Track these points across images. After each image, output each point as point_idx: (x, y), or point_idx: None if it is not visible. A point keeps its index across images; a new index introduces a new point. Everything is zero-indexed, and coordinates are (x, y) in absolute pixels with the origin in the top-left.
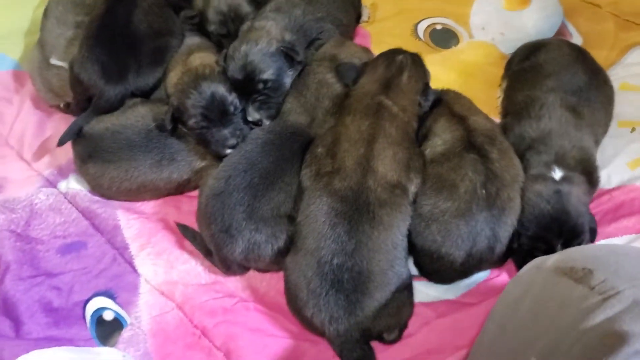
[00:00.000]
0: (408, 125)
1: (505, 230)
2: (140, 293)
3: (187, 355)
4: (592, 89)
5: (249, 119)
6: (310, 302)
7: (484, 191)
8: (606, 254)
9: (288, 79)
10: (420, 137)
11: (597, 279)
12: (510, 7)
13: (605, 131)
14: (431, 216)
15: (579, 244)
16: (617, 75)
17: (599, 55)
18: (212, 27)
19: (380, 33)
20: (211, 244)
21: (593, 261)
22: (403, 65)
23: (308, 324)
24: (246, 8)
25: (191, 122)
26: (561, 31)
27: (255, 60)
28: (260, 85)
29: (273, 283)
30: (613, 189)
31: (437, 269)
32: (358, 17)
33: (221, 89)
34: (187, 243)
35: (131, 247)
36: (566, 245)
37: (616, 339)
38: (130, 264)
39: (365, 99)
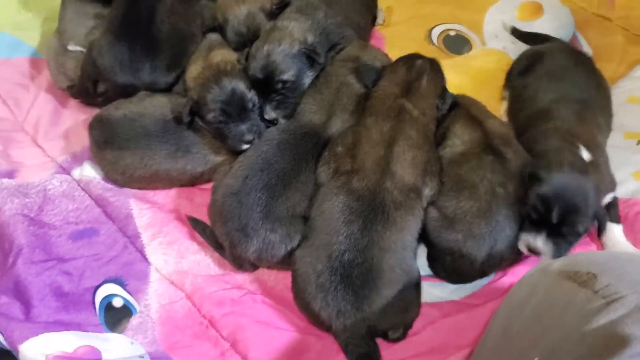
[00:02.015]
0: (427, 128)
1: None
2: (150, 281)
3: (194, 344)
4: (593, 92)
5: (266, 117)
6: (318, 295)
7: (502, 190)
8: (610, 259)
9: (307, 80)
10: (438, 137)
11: (601, 283)
12: (523, 17)
13: (608, 133)
14: (454, 216)
15: (577, 222)
16: (624, 88)
17: (608, 68)
18: (231, 45)
19: (394, 37)
20: (225, 241)
21: (597, 266)
22: (422, 69)
23: (315, 318)
24: (263, 24)
25: (210, 116)
26: (572, 43)
27: (277, 60)
28: (280, 85)
29: (281, 277)
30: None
31: (458, 269)
32: (373, 20)
33: (241, 86)
34: (198, 234)
35: (143, 236)
36: (563, 218)
37: (618, 341)
38: (141, 252)
39: (387, 101)
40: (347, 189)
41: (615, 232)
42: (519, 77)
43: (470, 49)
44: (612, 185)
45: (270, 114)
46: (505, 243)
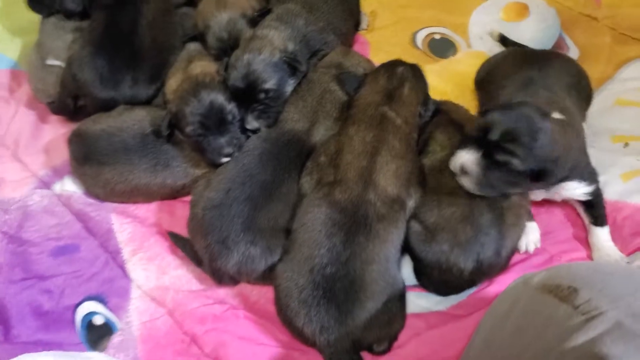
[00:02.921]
0: (410, 137)
1: (509, 232)
2: (131, 298)
3: None
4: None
5: (248, 127)
6: (301, 311)
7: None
8: (592, 272)
9: (289, 88)
10: (420, 145)
11: (582, 298)
12: (509, 18)
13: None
14: (437, 226)
15: (514, 152)
16: (611, 91)
17: (595, 69)
18: (211, 52)
19: (379, 41)
20: (205, 254)
21: (579, 280)
22: (404, 77)
23: (298, 334)
24: (244, 31)
25: (188, 129)
26: (558, 43)
27: (258, 69)
28: (262, 95)
29: (263, 292)
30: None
31: (446, 280)
32: (357, 25)
33: (220, 98)
34: (179, 250)
35: (123, 252)
36: (499, 143)
37: None
38: (122, 268)
39: (369, 109)
40: (329, 201)
41: (600, 235)
42: (480, 86)
43: (455, 51)
44: (590, 176)
45: (252, 123)
46: (492, 248)
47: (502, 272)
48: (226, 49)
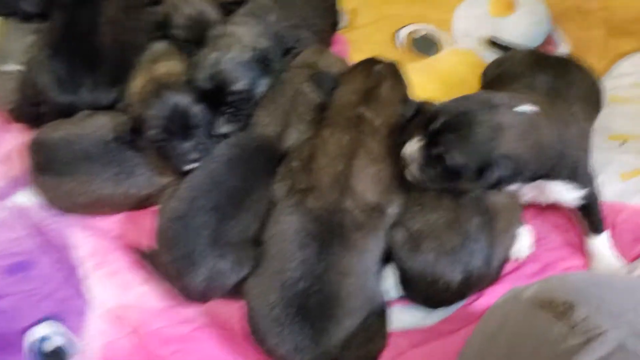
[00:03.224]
0: (390, 139)
1: (499, 239)
2: (90, 318)
3: None
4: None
5: (218, 132)
6: (273, 330)
7: (465, 197)
8: (588, 285)
9: (261, 89)
10: (402, 146)
11: (579, 315)
12: (496, 12)
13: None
14: (421, 233)
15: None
16: (606, 87)
17: (588, 64)
18: (176, 31)
19: (359, 40)
20: (172, 270)
21: (574, 294)
22: (382, 75)
23: (272, 354)
24: (214, 15)
25: (151, 133)
26: (550, 38)
27: (227, 69)
28: (231, 97)
29: (236, 307)
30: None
31: (433, 293)
32: (335, 23)
33: (185, 100)
34: (146, 263)
35: (84, 267)
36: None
37: None
38: (82, 285)
39: (344, 110)
40: (301, 209)
41: (597, 243)
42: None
43: (439, 49)
44: (582, 179)
45: (221, 128)
46: (482, 257)
47: (493, 283)
48: (192, 27)
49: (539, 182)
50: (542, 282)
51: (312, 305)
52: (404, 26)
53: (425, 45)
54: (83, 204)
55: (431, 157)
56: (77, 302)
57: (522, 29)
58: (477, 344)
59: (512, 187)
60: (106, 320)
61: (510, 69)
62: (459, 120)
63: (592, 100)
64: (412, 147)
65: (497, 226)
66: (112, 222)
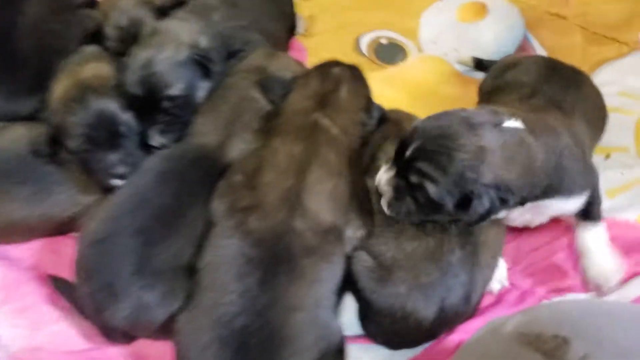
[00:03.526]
0: (350, 151)
1: (481, 274)
2: None
3: None
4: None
5: (152, 143)
6: None
7: (453, 225)
8: (584, 315)
9: (201, 93)
10: (366, 161)
11: (576, 353)
12: (465, 18)
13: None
14: (394, 262)
15: (425, 172)
16: None
17: None
18: (109, 43)
19: (318, 47)
20: (89, 304)
21: (567, 326)
22: (340, 78)
23: None
24: (150, 23)
25: (72, 144)
26: (524, 46)
27: (160, 71)
28: (166, 103)
29: (168, 349)
30: None
31: (400, 331)
32: (292, 29)
33: (112, 106)
34: (62, 298)
35: None
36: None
37: None
38: None
39: (297, 118)
40: (242, 231)
41: (591, 236)
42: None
43: (405, 57)
44: (581, 186)
45: (156, 139)
46: (460, 294)
47: (467, 320)
48: (126, 38)
49: (532, 205)
50: (525, 312)
51: (253, 346)
52: (367, 32)
53: (389, 54)
54: None
55: (404, 189)
56: None
57: (492, 35)
58: None
59: (501, 215)
60: None
61: (517, 76)
62: (435, 146)
63: (599, 120)
64: (382, 177)
65: (481, 260)
66: (25, 250)
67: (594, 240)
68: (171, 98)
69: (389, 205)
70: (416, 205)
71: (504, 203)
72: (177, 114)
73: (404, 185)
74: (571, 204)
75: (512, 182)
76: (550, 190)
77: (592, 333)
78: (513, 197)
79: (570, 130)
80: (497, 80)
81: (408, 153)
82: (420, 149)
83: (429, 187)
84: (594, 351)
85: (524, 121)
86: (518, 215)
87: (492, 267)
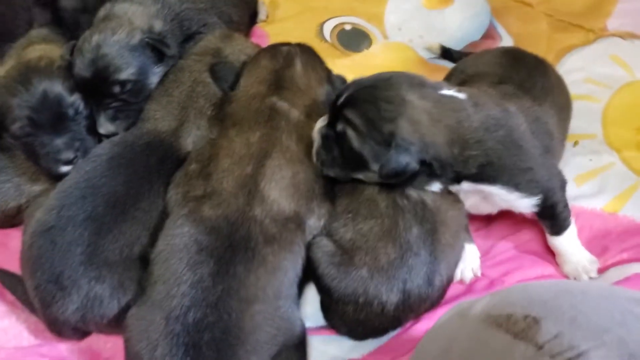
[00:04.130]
0: (310, 135)
1: (444, 254)
2: None
3: None
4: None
5: (101, 131)
6: None
7: (405, 201)
8: (556, 295)
9: (154, 79)
10: None
11: (547, 332)
12: (431, 5)
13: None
14: (353, 244)
15: None
16: None
17: None
18: (63, 13)
19: (280, 34)
20: (35, 298)
21: (538, 305)
22: (292, 54)
23: None
24: (105, 6)
25: (15, 126)
26: (489, 32)
27: (110, 54)
28: (117, 88)
29: (121, 345)
30: None
31: (364, 319)
32: (253, 15)
33: (58, 87)
34: (9, 292)
35: None
36: None
37: None
38: None
39: (252, 103)
40: (194, 219)
41: (562, 240)
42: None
43: (370, 44)
44: (528, 186)
45: (106, 126)
46: (422, 274)
47: (434, 307)
48: (81, 10)
49: (472, 186)
50: (494, 295)
51: (206, 343)
52: (330, 18)
53: (354, 40)
54: None
55: (332, 138)
56: None
57: (458, 22)
58: None
59: (435, 187)
60: None
61: (485, 66)
62: (365, 94)
63: (566, 109)
64: (316, 126)
65: (441, 239)
66: None
67: (565, 241)
68: (121, 83)
69: (317, 154)
70: (341, 157)
71: (430, 170)
72: (129, 100)
73: (332, 135)
74: (520, 202)
75: (439, 147)
76: (489, 173)
77: (565, 311)
78: (440, 166)
79: (538, 118)
80: (465, 71)
81: (339, 101)
82: (351, 98)
83: (350, 136)
84: (566, 329)
85: (470, 95)
86: (463, 197)
87: (456, 248)
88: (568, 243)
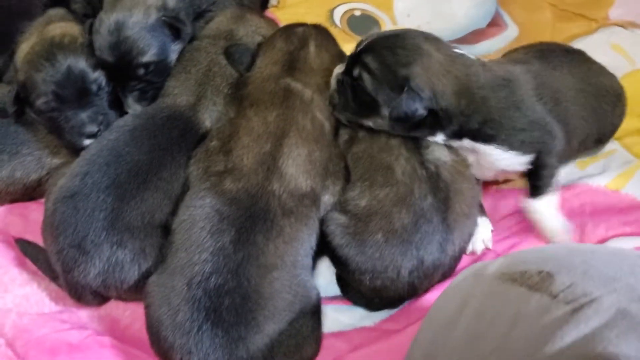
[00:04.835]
0: (325, 115)
1: (458, 222)
2: None
3: None
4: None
5: (129, 111)
6: (177, 341)
7: (424, 172)
8: (568, 253)
9: (173, 56)
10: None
11: (561, 283)
12: None
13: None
14: (369, 210)
15: None
16: None
17: None
18: (75, 6)
19: (291, 19)
20: (57, 263)
21: (551, 262)
22: (306, 35)
23: None
24: None
25: (40, 101)
26: (495, 21)
27: (132, 37)
28: (141, 71)
29: (140, 312)
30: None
31: (381, 287)
32: (265, 1)
33: (82, 63)
34: (29, 261)
35: None
36: None
37: None
38: None
39: (267, 85)
40: (216, 191)
41: (540, 204)
42: None
43: (379, 29)
44: (522, 144)
45: (134, 107)
46: (435, 241)
47: (446, 277)
48: (92, 2)
49: (471, 144)
50: (508, 256)
51: (227, 308)
52: (340, 4)
53: (363, 26)
54: None
55: (348, 83)
56: None
57: (464, 10)
58: (430, 335)
59: (439, 138)
60: None
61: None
62: (382, 42)
63: (600, 91)
64: (335, 71)
65: (455, 207)
66: None
67: (542, 207)
68: (145, 65)
69: (331, 97)
70: (354, 101)
71: (436, 120)
72: (152, 80)
73: (348, 81)
74: (511, 160)
75: (448, 96)
76: (487, 131)
77: (577, 265)
78: (447, 116)
79: (544, 83)
80: None
81: (359, 48)
82: (370, 45)
83: (365, 79)
84: (579, 280)
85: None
86: (465, 154)
87: (470, 218)
88: (545, 209)
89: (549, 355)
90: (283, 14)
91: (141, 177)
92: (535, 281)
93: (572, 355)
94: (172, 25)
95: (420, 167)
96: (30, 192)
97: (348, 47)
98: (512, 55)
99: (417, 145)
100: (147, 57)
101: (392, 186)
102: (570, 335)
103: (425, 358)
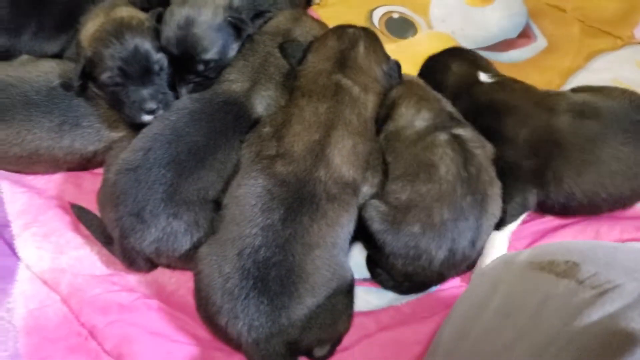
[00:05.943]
0: (370, 110)
1: (488, 222)
2: (16, 280)
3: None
4: None
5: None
6: (225, 306)
7: (466, 173)
8: (592, 247)
9: (232, 54)
10: (381, 117)
11: (587, 271)
12: (473, 2)
13: None
14: (409, 203)
15: None
16: (583, 80)
17: (565, 60)
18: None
19: (331, 18)
20: (115, 229)
21: (577, 254)
22: (356, 37)
23: (222, 334)
24: None
25: (105, 75)
26: (525, 32)
27: (199, 34)
28: (201, 67)
29: (184, 279)
30: None
31: (411, 273)
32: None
33: (147, 44)
34: (83, 226)
35: (13, 225)
36: None
37: (624, 338)
38: (10, 244)
39: (320, 78)
40: (268, 173)
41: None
42: None
43: (415, 32)
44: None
45: (185, 97)
46: (469, 237)
47: (470, 269)
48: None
49: None
50: (536, 247)
51: (272, 279)
52: (379, 6)
53: (400, 28)
54: (16, 157)
55: None
56: (4, 262)
57: (496, 19)
58: (460, 316)
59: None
60: (34, 284)
61: None
62: None
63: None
64: None
65: (488, 209)
66: (47, 182)
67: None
68: (206, 62)
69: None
70: None
71: None
72: (209, 76)
73: None
74: None
75: None
76: None
77: (600, 257)
78: None
79: None
80: None
81: None
82: None
83: None
84: (603, 270)
85: None
86: None
87: (494, 219)
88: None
89: (578, 330)
90: (324, 12)
91: (198, 156)
92: (562, 269)
93: (598, 330)
94: (235, 26)
95: (464, 169)
96: (84, 163)
97: (385, 47)
98: None
99: (463, 148)
100: (209, 55)
101: (434, 183)
102: (597, 313)
103: (458, 333)
